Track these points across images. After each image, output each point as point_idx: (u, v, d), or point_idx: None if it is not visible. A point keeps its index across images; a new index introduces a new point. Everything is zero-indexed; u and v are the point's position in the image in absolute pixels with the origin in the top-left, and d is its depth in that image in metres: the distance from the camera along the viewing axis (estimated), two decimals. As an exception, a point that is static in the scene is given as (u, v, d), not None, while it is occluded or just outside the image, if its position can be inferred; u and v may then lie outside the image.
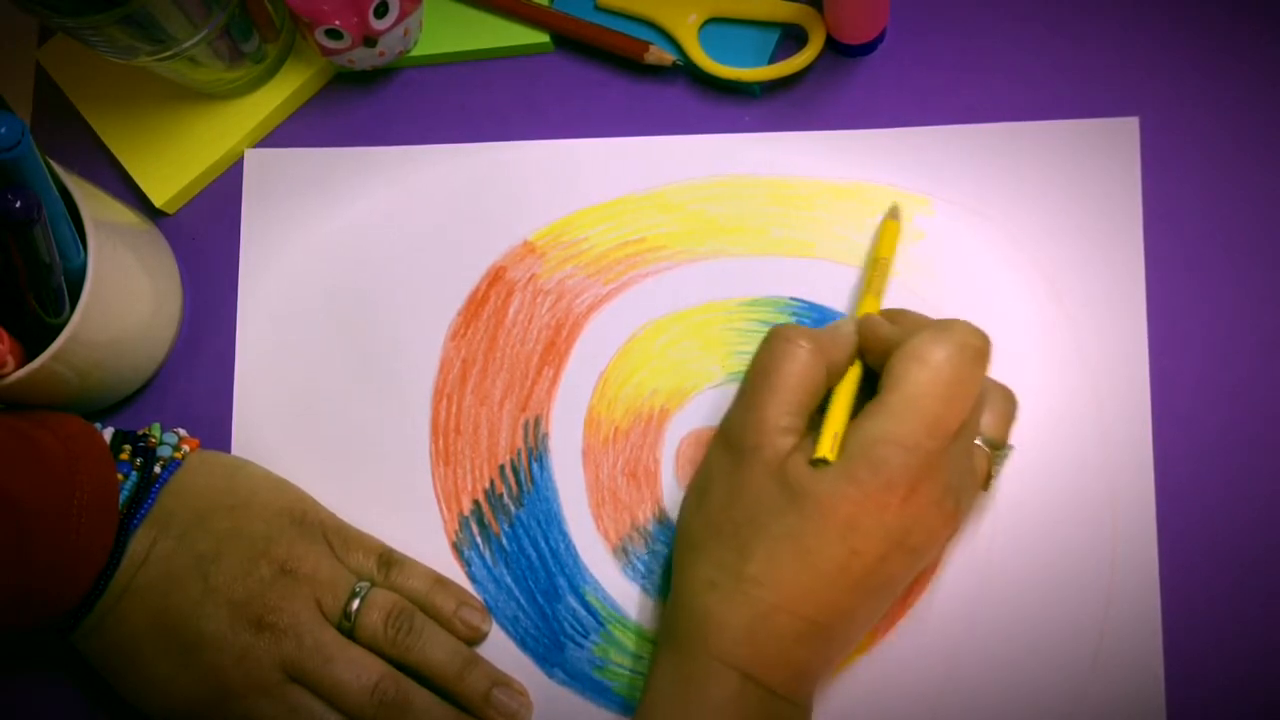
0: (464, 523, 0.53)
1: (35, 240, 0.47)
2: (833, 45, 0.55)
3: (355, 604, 0.50)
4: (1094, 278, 0.52)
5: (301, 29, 0.55)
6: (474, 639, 0.52)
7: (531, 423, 0.54)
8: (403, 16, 0.55)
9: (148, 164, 0.58)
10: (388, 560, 0.52)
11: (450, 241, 0.56)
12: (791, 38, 0.56)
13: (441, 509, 0.54)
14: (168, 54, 0.52)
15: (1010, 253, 0.52)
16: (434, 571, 0.53)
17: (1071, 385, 0.51)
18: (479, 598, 0.53)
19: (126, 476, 0.51)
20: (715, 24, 0.56)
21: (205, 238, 0.58)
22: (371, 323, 0.56)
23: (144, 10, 0.49)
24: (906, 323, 0.46)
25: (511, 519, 0.53)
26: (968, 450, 0.45)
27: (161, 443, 0.53)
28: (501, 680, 0.51)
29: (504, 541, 0.53)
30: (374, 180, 0.57)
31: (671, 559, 0.48)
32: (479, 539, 0.53)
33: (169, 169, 0.58)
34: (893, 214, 0.52)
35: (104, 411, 0.57)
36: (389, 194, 0.57)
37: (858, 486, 0.42)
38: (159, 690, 0.49)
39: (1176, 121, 0.53)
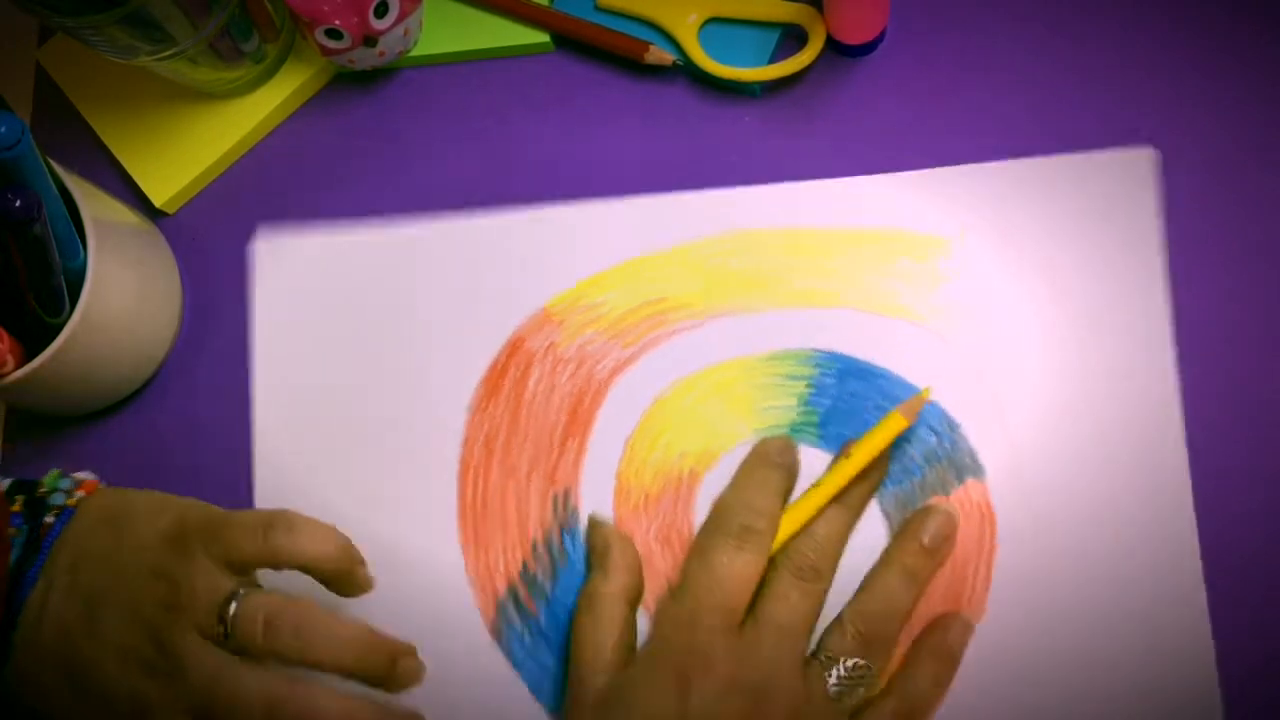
0: (501, 608, 0.52)
1: (35, 240, 0.47)
2: (833, 45, 0.55)
3: (232, 609, 0.47)
4: (1118, 306, 0.51)
5: (301, 29, 0.55)
6: (368, 589, 0.49)
7: (560, 497, 0.53)
8: (403, 16, 0.55)
9: (148, 164, 0.58)
10: (267, 528, 0.48)
11: (467, 314, 0.55)
12: (791, 38, 0.56)
13: (476, 594, 0.52)
14: (168, 54, 0.52)
15: (1033, 287, 0.52)
16: (312, 525, 0.48)
17: (1100, 412, 0.50)
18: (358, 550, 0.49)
19: (19, 530, 0.49)
20: (715, 24, 0.56)
21: (205, 238, 0.58)
22: (392, 402, 0.55)
23: (144, 10, 0.49)
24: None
25: (548, 597, 0.52)
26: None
27: (55, 490, 0.50)
28: (402, 650, 0.48)
29: (542, 622, 0.51)
30: (383, 262, 0.56)
31: None
32: (518, 623, 0.51)
33: (169, 169, 0.58)
34: (906, 410, 0.50)
35: (104, 411, 0.57)
36: (399, 275, 0.56)
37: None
38: None
39: (1177, 121, 0.53)
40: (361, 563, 0.48)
